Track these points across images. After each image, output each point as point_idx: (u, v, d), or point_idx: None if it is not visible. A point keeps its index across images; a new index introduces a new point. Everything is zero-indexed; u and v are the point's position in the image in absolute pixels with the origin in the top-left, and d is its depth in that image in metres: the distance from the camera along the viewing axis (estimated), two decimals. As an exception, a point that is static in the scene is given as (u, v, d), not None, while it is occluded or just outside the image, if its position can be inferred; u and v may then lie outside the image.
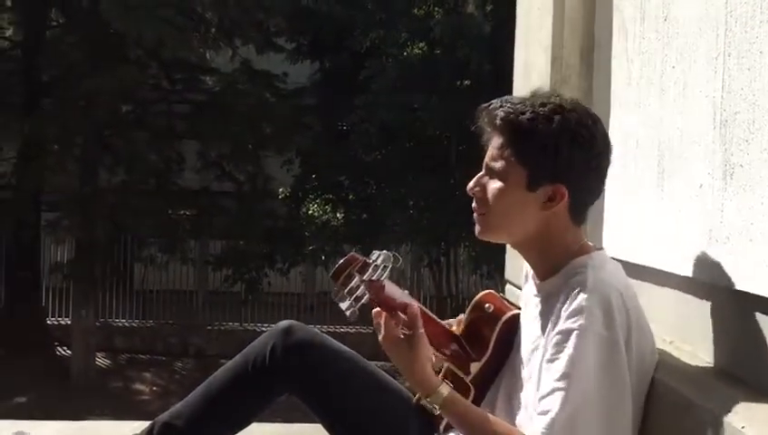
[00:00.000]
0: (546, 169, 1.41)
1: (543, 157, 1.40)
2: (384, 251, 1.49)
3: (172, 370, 11.72)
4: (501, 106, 1.44)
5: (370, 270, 1.46)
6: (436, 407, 1.46)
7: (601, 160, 1.44)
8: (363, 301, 1.46)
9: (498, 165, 1.44)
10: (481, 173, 1.49)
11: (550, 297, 1.45)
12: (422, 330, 1.49)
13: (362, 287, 1.45)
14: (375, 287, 1.46)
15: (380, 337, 1.50)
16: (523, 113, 1.41)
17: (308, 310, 12.59)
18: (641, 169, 1.78)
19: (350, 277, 1.46)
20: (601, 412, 1.31)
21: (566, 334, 1.33)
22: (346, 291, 1.45)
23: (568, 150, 1.39)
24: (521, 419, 1.50)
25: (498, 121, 1.43)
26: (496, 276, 10.15)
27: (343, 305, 1.47)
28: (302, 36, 12.51)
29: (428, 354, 1.51)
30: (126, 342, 12.42)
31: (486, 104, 1.47)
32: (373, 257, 1.47)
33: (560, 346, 1.34)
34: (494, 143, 1.46)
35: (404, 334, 1.48)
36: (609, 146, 1.46)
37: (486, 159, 1.47)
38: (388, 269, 1.47)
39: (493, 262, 10.09)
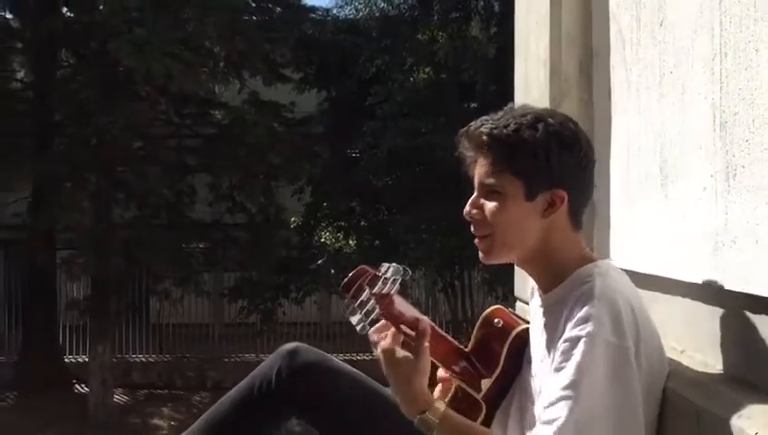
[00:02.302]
0: (541, 175, 1.39)
1: (536, 164, 1.39)
2: (393, 264, 1.46)
3: (190, 404, 11.67)
4: (482, 125, 1.42)
5: (380, 283, 1.43)
6: (436, 420, 1.42)
7: (589, 159, 1.45)
8: (373, 316, 1.43)
9: (492, 181, 1.42)
10: (475, 195, 1.45)
11: (555, 308, 1.42)
12: (427, 344, 1.46)
13: (372, 301, 1.43)
14: (385, 302, 1.43)
15: (381, 347, 1.44)
16: (507, 126, 1.40)
17: (324, 339, 12.53)
18: (644, 176, 1.76)
19: (361, 290, 1.44)
20: (611, 421, 1.27)
21: (573, 342, 1.30)
22: (357, 304, 1.43)
23: (558, 154, 1.39)
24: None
25: (484, 138, 1.41)
26: (511, 298, 10.07)
27: (354, 319, 1.45)
28: (308, 66, 12.62)
29: (428, 369, 1.47)
30: (143, 377, 12.42)
31: (464, 129, 1.45)
32: (382, 270, 1.45)
33: (567, 354, 1.30)
34: (483, 162, 1.43)
35: (409, 344, 1.44)
36: (592, 145, 1.47)
37: (478, 179, 1.44)
38: (398, 283, 1.45)
39: (507, 284, 10.02)
